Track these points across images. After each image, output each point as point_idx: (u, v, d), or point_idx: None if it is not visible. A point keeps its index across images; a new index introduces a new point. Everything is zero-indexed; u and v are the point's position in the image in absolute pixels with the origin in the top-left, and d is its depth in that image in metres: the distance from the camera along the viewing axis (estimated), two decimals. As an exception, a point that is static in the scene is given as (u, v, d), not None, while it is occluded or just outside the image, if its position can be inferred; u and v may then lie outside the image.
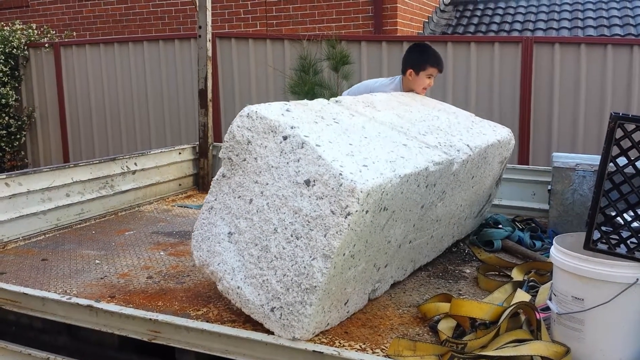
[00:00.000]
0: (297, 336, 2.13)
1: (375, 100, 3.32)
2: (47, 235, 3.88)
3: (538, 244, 3.51)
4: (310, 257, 2.10)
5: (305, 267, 2.11)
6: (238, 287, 2.29)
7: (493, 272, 3.10)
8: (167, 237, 3.80)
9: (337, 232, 2.06)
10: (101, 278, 3.04)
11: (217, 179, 2.48)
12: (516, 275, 2.95)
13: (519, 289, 2.63)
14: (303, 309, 2.11)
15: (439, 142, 2.88)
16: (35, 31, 8.84)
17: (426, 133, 2.98)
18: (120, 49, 8.03)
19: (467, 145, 2.98)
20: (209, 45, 5.43)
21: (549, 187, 3.70)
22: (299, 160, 2.21)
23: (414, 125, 3.04)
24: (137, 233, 3.92)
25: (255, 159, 2.34)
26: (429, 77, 3.91)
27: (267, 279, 2.22)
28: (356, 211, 2.05)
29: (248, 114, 2.41)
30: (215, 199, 2.47)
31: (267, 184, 2.28)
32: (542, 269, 2.96)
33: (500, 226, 3.71)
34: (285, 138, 2.28)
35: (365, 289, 2.54)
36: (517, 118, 6.37)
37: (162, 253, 3.46)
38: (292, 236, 2.17)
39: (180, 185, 5.18)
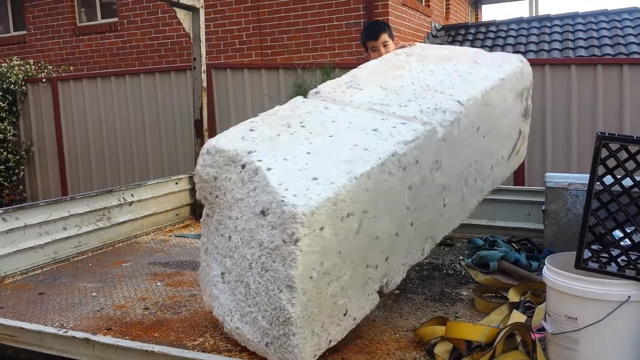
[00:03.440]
0: None
1: (361, 75, 3.19)
2: (44, 269, 3.88)
3: (534, 264, 3.51)
4: (278, 289, 2.07)
5: (276, 300, 2.08)
6: (237, 328, 2.29)
7: (490, 294, 3.10)
8: (164, 268, 3.80)
9: (291, 261, 2.00)
10: (98, 310, 3.04)
11: (203, 219, 2.49)
12: (512, 296, 2.95)
13: (514, 310, 2.64)
14: (289, 341, 2.09)
15: (421, 109, 2.71)
16: (33, 66, 8.94)
17: (409, 101, 2.82)
18: (117, 82, 8.11)
19: (458, 102, 2.79)
20: (204, 76, 5.49)
21: (543, 207, 3.72)
22: (255, 189, 2.18)
23: (397, 95, 2.89)
24: (134, 264, 3.92)
25: (224, 193, 2.33)
26: (375, 50, 3.99)
27: (255, 316, 2.20)
28: (305, 235, 1.99)
29: (207, 150, 2.43)
30: (207, 239, 2.47)
31: (237, 218, 2.26)
32: (538, 289, 2.96)
33: (496, 247, 3.71)
34: (243, 167, 2.26)
35: (366, 292, 2.43)
36: (511, 139, 6.41)
37: (159, 284, 3.46)
38: (262, 270, 2.14)
39: (177, 215, 5.20)
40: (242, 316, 2.27)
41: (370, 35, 4.07)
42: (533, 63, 6.41)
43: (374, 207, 2.29)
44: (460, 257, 3.79)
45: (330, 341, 2.28)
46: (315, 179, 2.14)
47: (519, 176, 6.44)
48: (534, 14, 15.12)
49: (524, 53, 9.60)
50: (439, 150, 2.64)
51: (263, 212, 2.11)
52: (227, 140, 2.42)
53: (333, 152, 2.34)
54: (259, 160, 2.23)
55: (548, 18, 11.17)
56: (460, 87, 2.96)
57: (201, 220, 2.53)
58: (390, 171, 2.35)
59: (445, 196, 2.79)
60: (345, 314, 2.32)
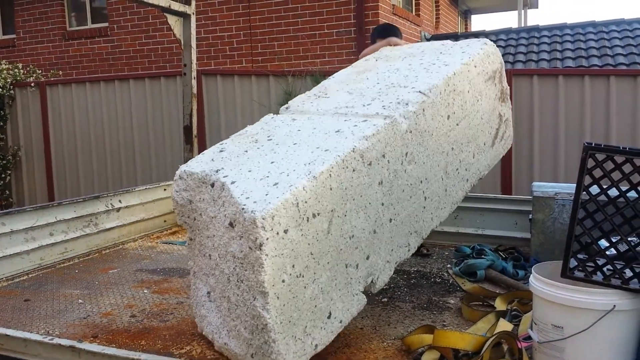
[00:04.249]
0: None
1: (330, 85, 3.23)
2: (30, 275, 3.85)
3: (521, 273, 3.52)
4: (253, 297, 2.08)
5: (253, 308, 2.09)
6: (225, 344, 2.28)
7: (477, 302, 3.11)
8: (151, 275, 3.78)
9: (259, 267, 2.01)
10: (84, 318, 3.01)
11: (188, 244, 2.51)
12: (499, 304, 2.96)
13: (501, 319, 2.64)
14: (270, 348, 2.08)
15: (384, 105, 2.70)
16: (22, 70, 8.90)
17: (373, 100, 2.82)
18: (106, 87, 8.08)
19: (419, 92, 2.76)
20: (194, 82, 5.49)
21: (530, 216, 3.74)
22: (224, 204, 2.21)
23: (362, 97, 2.91)
24: (121, 271, 3.89)
25: (200, 214, 2.36)
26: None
27: (239, 329, 2.20)
28: (267, 238, 2.00)
29: (179, 175, 2.47)
30: (193, 263, 2.50)
31: (214, 235, 2.27)
32: (524, 297, 2.98)
33: (483, 256, 3.73)
34: (212, 185, 2.29)
35: (350, 292, 2.42)
36: (499, 148, 6.45)
37: (145, 291, 3.44)
38: (238, 281, 2.14)
39: (165, 221, 5.17)
40: (229, 331, 2.27)
41: (380, 35, 4.26)
42: (521, 73, 6.52)
43: (342, 205, 2.29)
44: (448, 266, 3.80)
45: (316, 346, 2.26)
46: (275, 184, 2.16)
47: (506, 185, 6.49)
48: (522, 25, 15.26)
49: (512, 63, 9.69)
50: (407, 142, 2.64)
51: (231, 224, 2.14)
52: (197, 163, 2.48)
53: (295, 158, 2.35)
54: (225, 176, 2.27)
55: (536, 29, 11.29)
56: (423, 78, 2.94)
57: (186, 245, 2.55)
58: (354, 167, 2.35)
59: (425, 188, 2.79)
60: (329, 317, 2.31)
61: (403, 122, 2.60)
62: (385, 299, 3.20)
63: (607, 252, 2.05)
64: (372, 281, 2.53)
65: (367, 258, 2.47)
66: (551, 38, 10.71)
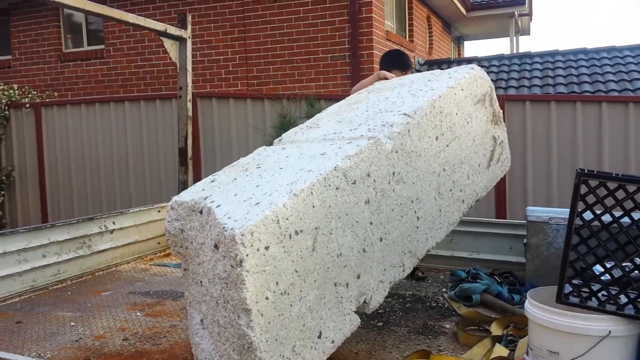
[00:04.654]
0: None
1: (322, 117, 3.32)
2: (22, 297, 3.82)
3: (516, 297, 3.53)
4: (238, 316, 2.07)
5: (238, 327, 2.08)
6: None
7: (473, 327, 3.10)
8: (144, 297, 3.75)
9: (241, 283, 2.01)
10: (76, 340, 2.99)
11: (183, 275, 2.52)
12: (495, 329, 2.96)
13: (497, 344, 2.64)
14: None
15: (369, 129, 2.74)
16: (17, 91, 8.90)
17: (360, 125, 2.87)
18: (101, 109, 8.09)
19: (404, 114, 2.80)
20: (190, 105, 5.52)
21: (525, 241, 3.76)
22: (210, 228, 2.23)
23: (350, 123, 2.96)
24: (114, 293, 3.87)
25: (191, 242, 2.38)
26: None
27: (228, 352, 2.18)
28: (247, 255, 2.01)
29: (171, 206, 2.50)
30: (188, 292, 2.50)
31: (204, 261, 2.29)
32: (520, 322, 2.98)
33: (478, 280, 3.73)
34: (201, 212, 2.32)
35: (342, 312, 2.39)
36: (493, 173, 6.49)
37: (138, 314, 3.41)
38: (224, 302, 2.14)
39: (159, 243, 5.15)
40: (220, 356, 2.25)
41: (385, 64, 4.36)
42: (513, 99, 6.58)
43: (327, 223, 2.30)
44: (443, 290, 3.80)
45: None
46: (257, 203, 2.18)
47: (500, 209, 6.51)
48: (515, 51, 15.46)
49: (504, 89, 9.79)
50: (393, 162, 2.66)
51: (216, 246, 2.15)
52: (188, 193, 2.52)
53: (279, 180, 2.38)
54: (212, 202, 2.30)
55: (528, 55, 11.43)
56: (409, 102, 2.99)
57: (181, 276, 2.55)
58: (337, 186, 2.36)
59: (417, 208, 2.80)
60: (319, 336, 2.29)
61: (387, 143, 2.62)
62: (381, 323, 3.19)
63: (602, 278, 2.06)
64: (365, 301, 2.51)
65: (358, 277, 2.46)
66: (543, 64, 10.83)
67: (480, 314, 3.27)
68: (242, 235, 2.00)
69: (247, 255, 2.00)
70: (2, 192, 8.55)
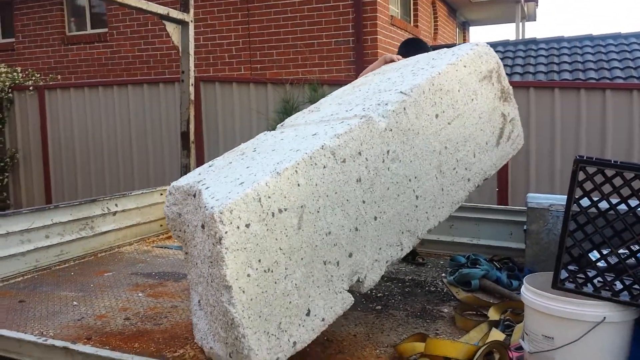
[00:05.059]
0: None
1: (326, 100, 3.33)
2: (25, 277, 3.86)
3: (515, 283, 3.55)
4: (221, 294, 2.10)
5: (222, 304, 2.10)
6: (211, 348, 2.28)
7: (471, 312, 3.13)
8: (146, 279, 3.79)
9: (220, 261, 2.04)
10: (78, 320, 3.02)
11: (184, 258, 2.55)
12: (493, 314, 2.99)
13: (493, 328, 2.67)
14: (242, 344, 2.08)
15: (364, 108, 2.70)
16: (20, 74, 8.92)
17: (357, 105, 2.84)
18: (104, 92, 8.11)
19: (400, 92, 2.76)
20: (192, 89, 5.52)
21: (525, 227, 3.77)
22: (200, 210, 2.25)
23: (349, 104, 2.95)
24: (116, 274, 3.91)
25: (188, 226, 2.42)
26: None
27: (218, 330, 2.21)
28: (226, 232, 2.03)
29: (169, 191, 2.54)
30: (189, 276, 2.53)
31: (197, 243, 2.32)
32: (518, 308, 3.00)
33: (477, 266, 3.75)
34: (194, 195, 2.35)
35: (332, 290, 2.38)
36: (495, 160, 6.49)
37: (140, 294, 3.45)
38: (212, 281, 2.17)
39: (161, 225, 5.18)
40: (214, 335, 2.28)
41: (401, 53, 4.23)
42: (517, 85, 6.55)
43: (314, 201, 2.30)
44: (443, 275, 3.82)
45: (294, 343, 2.23)
46: (241, 183, 2.19)
47: (502, 196, 6.51)
48: (520, 37, 15.36)
49: (509, 75, 9.75)
50: (388, 140, 2.63)
51: (202, 226, 2.18)
52: (185, 178, 2.55)
53: (269, 161, 2.39)
54: (203, 184, 2.33)
55: (534, 41, 11.37)
56: (408, 81, 2.94)
57: (183, 259, 2.59)
58: (325, 164, 2.35)
59: (415, 187, 2.77)
60: (307, 314, 2.29)
61: (381, 121, 2.60)
62: (379, 307, 3.22)
63: (598, 264, 2.07)
64: (358, 280, 2.51)
65: (350, 256, 2.46)
66: (548, 51, 10.77)
67: (479, 299, 3.29)
68: (221, 213, 2.02)
69: (225, 232, 2.02)
70: (6, 174, 8.60)
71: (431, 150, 2.85)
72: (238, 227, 2.05)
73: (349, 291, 2.45)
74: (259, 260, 2.11)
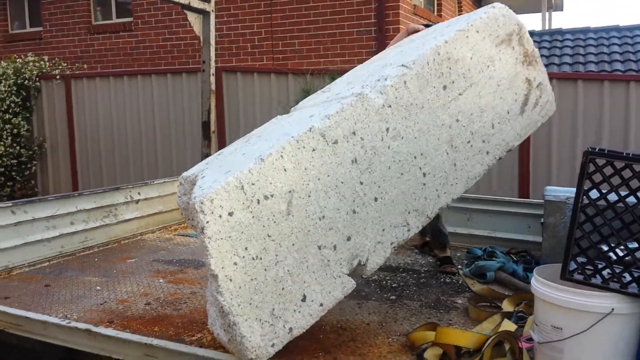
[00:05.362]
0: (253, 356, 2.15)
1: (341, 78, 3.27)
2: (51, 262, 3.98)
3: (531, 276, 3.55)
4: (211, 282, 2.14)
5: (213, 294, 2.14)
6: (218, 334, 2.34)
7: (485, 303, 3.16)
8: (167, 265, 3.89)
9: (205, 250, 2.07)
10: (101, 304, 3.13)
11: (200, 246, 2.59)
12: (507, 306, 3.01)
13: (505, 319, 2.69)
14: (235, 331, 2.12)
15: (363, 85, 2.60)
16: (47, 63, 9.09)
17: (358, 83, 2.74)
18: (129, 82, 8.23)
19: (402, 65, 2.64)
20: (213, 79, 5.60)
21: (542, 220, 3.77)
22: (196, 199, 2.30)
23: (353, 83, 2.85)
24: (139, 261, 4.01)
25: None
26: None
27: (217, 316, 2.25)
28: (208, 222, 2.05)
29: (180, 181, 2.59)
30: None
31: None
32: (532, 300, 3.01)
33: (494, 258, 3.77)
34: (195, 185, 2.37)
35: (330, 275, 2.37)
36: (516, 153, 6.47)
37: (161, 280, 3.54)
38: (208, 270, 2.20)
39: (182, 214, 5.27)
40: (215, 321, 2.34)
41: None
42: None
43: (304, 186, 2.27)
44: (459, 266, 3.84)
45: (291, 329, 2.25)
46: (228, 172, 2.21)
47: (523, 189, 6.49)
48: (547, 28, 15.14)
49: (533, 66, 9.65)
50: (386, 118, 2.53)
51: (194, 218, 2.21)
52: (193, 169, 2.59)
53: (262, 146, 2.38)
54: (202, 175, 2.37)
55: (559, 32, 11.22)
56: (414, 52, 2.80)
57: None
58: (314, 147, 2.31)
59: (422, 164, 2.66)
60: (303, 299, 2.28)
61: (378, 98, 2.50)
62: (394, 297, 3.26)
63: (608, 255, 2.09)
64: (360, 263, 2.47)
65: (349, 239, 2.41)
66: (574, 42, 10.63)
67: (494, 291, 3.31)
68: (202, 203, 2.05)
69: (207, 222, 2.05)
70: (34, 162, 8.79)
71: (439, 125, 2.72)
72: (220, 216, 2.07)
73: (350, 275, 2.44)
74: (246, 248, 2.12)
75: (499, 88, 2.94)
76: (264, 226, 2.16)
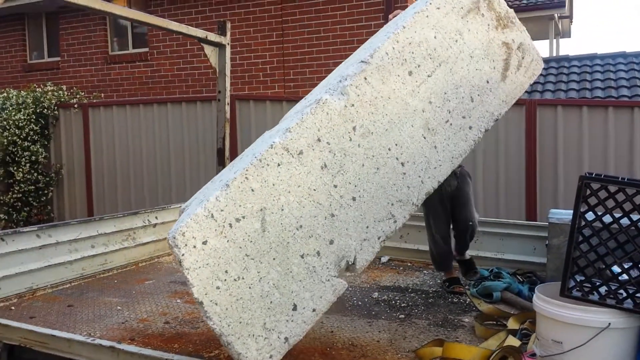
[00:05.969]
0: None
1: (321, 83, 3.30)
2: (72, 284, 4.13)
3: (536, 295, 3.65)
4: (199, 309, 2.23)
5: (203, 318, 2.25)
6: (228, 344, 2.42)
7: (491, 322, 3.26)
8: (184, 287, 4.01)
9: (187, 281, 2.17)
10: (122, 323, 3.26)
11: None
12: (512, 324, 3.11)
13: (510, 336, 2.80)
14: (232, 349, 2.22)
15: (328, 89, 2.59)
16: (65, 92, 9.35)
17: (324, 87, 2.76)
18: (145, 110, 8.45)
19: (361, 62, 2.60)
20: (228, 108, 5.78)
21: (547, 242, 3.88)
22: None
23: (323, 86, 2.86)
24: (156, 282, 4.15)
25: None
26: None
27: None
28: (183, 255, 2.13)
29: (180, 210, 2.71)
30: None
31: None
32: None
33: (500, 279, 3.87)
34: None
35: (318, 280, 2.39)
36: (523, 177, 6.58)
37: (178, 301, 3.67)
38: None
39: (198, 238, 5.42)
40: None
41: None
42: (545, 103, 6.65)
43: (275, 201, 2.31)
44: (466, 287, 3.95)
45: (286, 339, 2.31)
46: (201, 202, 2.28)
47: (531, 211, 6.58)
48: (554, 54, 15.34)
49: (541, 92, 9.81)
50: (351, 117, 2.51)
51: None
52: (191, 198, 2.72)
53: (235, 169, 2.44)
54: (188, 205, 2.48)
55: (566, 58, 11.39)
56: (372, 45, 2.75)
57: None
58: (279, 162, 2.33)
59: (398, 154, 2.63)
60: (294, 309, 2.33)
61: (338, 100, 2.49)
62: (403, 316, 3.38)
63: (603, 274, 2.21)
64: (348, 263, 2.49)
65: (331, 243, 2.43)
66: (581, 68, 10.78)
67: (500, 310, 3.41)
68: (174, 238, 2.14)
69: (182, 255, 2.13)
70: (51, 188, 9.00)
71: (411, 111, 2.68)
72: (195, 246, 2.14)
73: (340, 276, 2.47)
74: (226, 271, 2.20)
75: (472, 60, 2.87)
76: (240, 247, 2.24)
